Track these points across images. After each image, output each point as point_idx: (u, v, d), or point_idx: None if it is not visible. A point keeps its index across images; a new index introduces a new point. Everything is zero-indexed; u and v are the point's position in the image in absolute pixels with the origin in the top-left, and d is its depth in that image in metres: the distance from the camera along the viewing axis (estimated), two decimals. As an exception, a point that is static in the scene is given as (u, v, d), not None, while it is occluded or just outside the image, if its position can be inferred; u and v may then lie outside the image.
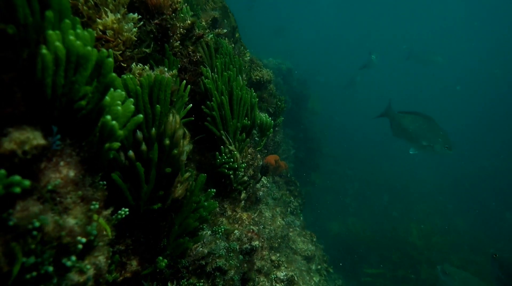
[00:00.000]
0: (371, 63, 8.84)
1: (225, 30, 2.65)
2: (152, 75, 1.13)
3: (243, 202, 2.03)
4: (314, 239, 3.29)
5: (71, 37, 0.69)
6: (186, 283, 1.41)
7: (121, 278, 1.08)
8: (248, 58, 3.64)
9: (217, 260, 1.55)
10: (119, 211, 0.94)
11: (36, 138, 0.69)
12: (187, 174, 1.22)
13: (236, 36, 3.57)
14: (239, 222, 1.90)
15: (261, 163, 2.74)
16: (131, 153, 1.01)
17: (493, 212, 9.60)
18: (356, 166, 11.23)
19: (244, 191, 2.10)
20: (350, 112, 19.74)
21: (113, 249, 1.12)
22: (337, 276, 6.28)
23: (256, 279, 1.83)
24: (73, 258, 0.68)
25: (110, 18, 1.23)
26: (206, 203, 1.32)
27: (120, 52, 1.27)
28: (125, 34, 1.26)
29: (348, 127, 16.13)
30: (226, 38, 2.81)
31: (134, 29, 1.29)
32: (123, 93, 0.83)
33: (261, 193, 2.68)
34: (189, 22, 1.84)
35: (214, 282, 1.52)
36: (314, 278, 2.97)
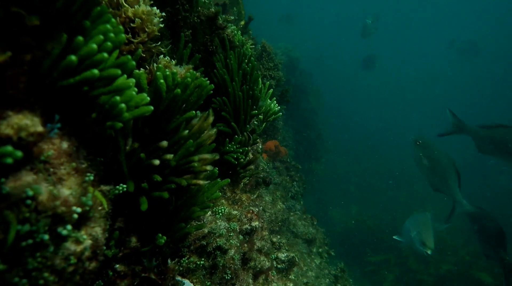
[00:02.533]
0: (367, 29, 8.30)
1: (232, 17, 2.61)
2: (189, 78, 1.07)
3: (242, 183, 2.03)
4: (315, 223, 3.31)
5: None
6: (186, 261, 1.42)
7: (120, 254, 1.09)
8: (252, 46, 3.57)
9: (217, 239, 1.56)
10: (117, 186, 0.94)
11: (35, 125, 0.69)
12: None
13: (241, 23, 3.50)
14: (239, 203, 1.91)
15: (260, 146, 2.73)
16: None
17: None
18: (358, 154, 11.20)
19: (247, 177, 2.10)
20: (356, 100, 19.55)
21: (114, 226, 1.12)
22: (338, 261, 6.33)
23: (257, 258, 1.84)
24: (69, 227, 0.68)
25: (141, 8, 1.22)
26: (214, 195, 1.31)
27: (143, 42, 1.26)
28: (151, 27, 1.26)
29: (352, 116, 16.02)
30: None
31: (161, 25, 1.29)
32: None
33: (261, 176, 2.68)
34: (213, 11, 1.80)
35: (215, 261, 1.54)
36: (315, 260, 3.00)
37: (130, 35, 1.23)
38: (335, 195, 8.69)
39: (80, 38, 0.70)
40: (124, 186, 0.93)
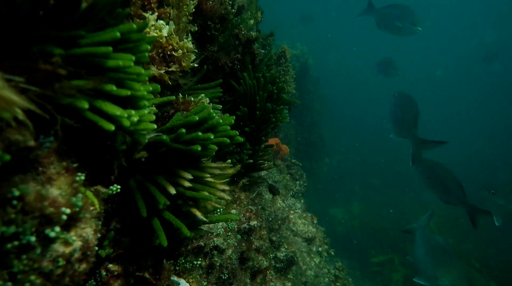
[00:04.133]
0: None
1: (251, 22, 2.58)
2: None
3: (241, 183, 2.01)
4: (315, 221, 3.29)
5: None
6: (183, 260, 1.41)
7: (114, 254, 1.07)
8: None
9: (215, 239, 1.54)
10: (111, 187, 0.91)
11: (26, 140, 0.66)
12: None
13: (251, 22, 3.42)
14: (237, 202, 1.89)
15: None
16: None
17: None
18: (363, 154, 11.10)
19: (247, 179, 2.08)
20: (364, 101, 19.27)
21: (110, 226, 1.11)
22: (339, 259, 6.29)
23: (255, 258, 1.82)
24: (57, 228, 0.66)
25: (187, 44, 1.22)
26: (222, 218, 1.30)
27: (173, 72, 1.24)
28: (186, 62, 1.24)
29: (358, 115, 15.85)
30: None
31: (195, 65, 1.28)
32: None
33: (262, 174, 2.66)
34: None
35: (212, 261, 1.52)
36: (315, 259, 2.99)
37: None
38: (337, 194, 8.63)
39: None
40: (118, 186, 0.91)
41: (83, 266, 0.77)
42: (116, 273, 1.07)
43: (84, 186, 0.85)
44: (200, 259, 1.46)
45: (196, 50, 1.31)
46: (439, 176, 3.77)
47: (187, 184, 1.01)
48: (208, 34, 1.64)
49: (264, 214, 2.62)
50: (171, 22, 1.21)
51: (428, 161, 3.88)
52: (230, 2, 1.68)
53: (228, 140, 1.05)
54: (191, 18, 1.29)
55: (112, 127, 0.73)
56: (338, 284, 3.08)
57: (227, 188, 1.10)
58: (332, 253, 3.30)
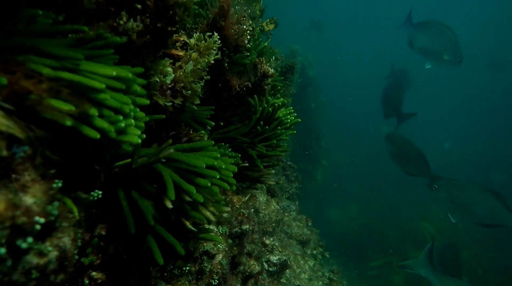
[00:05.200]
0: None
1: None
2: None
3: (234, 185, 1.98)
4: (310, 224, 3.26)
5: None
6: (171, 266, 1.38)
7: (98, 261, 1.04)
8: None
9: (205, 244, 1.51)
10: (92, 193, 0.88)
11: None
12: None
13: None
14: (229, 205, 1.86)
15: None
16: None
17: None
18: (362, 156, 11.04)
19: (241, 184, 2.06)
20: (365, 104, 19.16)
21: (94, 233, 1.07)
22: (335, 261, 6.25)
23: (247, 262, 1.80)
24: (29, 239, 0.63)
25: (197, 88, 1.24)
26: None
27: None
28: (187, 104, 1.26)
29: (357, 119, 15.78)
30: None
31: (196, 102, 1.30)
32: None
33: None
34: (271, 71, 1.77)
35: (202, 266, 1.49)
36: (309, 262, 2.96)
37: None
38: (334, 196, 8.56)
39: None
40: (99, 192, 0.88)
41: (60, 277, 0.74)
42: (100, 281, 1.04)
43: (63, 193, 0.82)
44: (189, 264, 1.43)
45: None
46: (405, 149, 3.94)
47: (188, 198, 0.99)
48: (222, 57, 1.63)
49: (257, 216, 2.59)
50: (190, 62, 1.24)
51: (396, 136, 4.10)
52: (250, 32, 1.66)
53: (227, 186, 1.10)
54: (207, 69, 1.30)
55: (98, 135, 0.71)
56: (332, 286, 3.06)
57: (216, 212, 1.11)
58: (327, 255, 3.27)
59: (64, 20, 0.84)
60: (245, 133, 1.88)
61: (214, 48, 1.28)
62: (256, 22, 2.92)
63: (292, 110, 1.94)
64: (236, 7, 1.57)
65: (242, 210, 1.89)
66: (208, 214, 1.10)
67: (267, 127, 1.82)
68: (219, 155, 1.05)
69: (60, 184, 0.72)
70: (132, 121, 0.82)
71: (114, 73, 0.69)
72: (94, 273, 1.03)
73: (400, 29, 4.36)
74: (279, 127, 1.85)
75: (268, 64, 1.76)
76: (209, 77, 1.32)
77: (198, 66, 1.25)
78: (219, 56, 1.33)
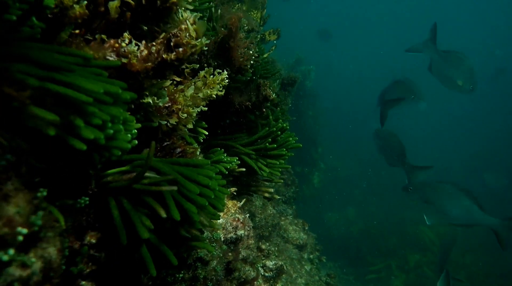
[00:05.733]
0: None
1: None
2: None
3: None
4: (306, 228, 3.25)
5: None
6: (164, 274, 1.35)
7: (88, 270, 1.02)
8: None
9: (199, 250, 1.49)
10: (79, 200, 0.86)
11: None
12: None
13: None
14: (224, 210, 1.84)
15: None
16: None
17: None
18: (361, 159, 10.98)
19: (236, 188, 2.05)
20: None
21: (84, 241, 1.05)
22: (333, 265, 6.22)
23: (242, 268, 1.78)
24: (11, 251, 0.61)
25: (193, 113, 1.25)
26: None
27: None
28: (180, 126, 1.25)
29: (355, 121, 15.73)
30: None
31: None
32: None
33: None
34: (274, 96, 1.83)
35: (195, 273, 1.47)
36: (306, 267, 2.94)
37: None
38: (332, 199, 8.49)
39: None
40: (86, 198, 0.86)
41: (45, 288, 0.72)
42: (89, 290, 1.01)
43: (50, 202, 0.80)
44: (182, 271, 1.41)
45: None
46: (390, 144, 4.39)
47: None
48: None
49: (253, 221, 2.57)
50: (192, 87, 1.26)
51: (383, 130, 4.52)
52: (255, 58, 1.70)
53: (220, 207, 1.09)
54: (208, 101, 1.32)
55: (84, 147, 0.69)
56: (329, 291, 3.04)
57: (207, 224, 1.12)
58: (324, 260, 3.26)
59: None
60: (243, 144, 1.90)
61: (221, 84, 1.30)
62: (258, 31, 2.95)
63: (294, 135, 2.00)
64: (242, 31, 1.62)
65: (237, 215, 1.87)
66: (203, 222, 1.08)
67: (267, 144, 1.89)
68: (214, 174, 1.05)
69: (45, 193, 0.71)
70: (121, 126, 0.81)
71: (102, 90, 0.68)
72: (83, 282, 1.00)
73: (420, 50, 4.40)
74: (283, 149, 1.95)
75: (271, 88, 1.79)
76: (206, 108, 1.32)
77: (200, 94, 1.26)
78: (222, 93, 1.33)
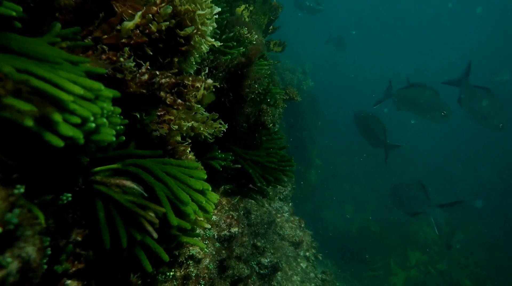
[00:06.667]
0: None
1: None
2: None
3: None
4: (303, 225, 3.23)
5: None
6: (155, 272, 1.33)
7: (73, 269, 0.99)
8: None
9: (191, 248, 1.46)
10: (61, 196, 0.83)
11: None
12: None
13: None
14: (218, 207, 1.81)
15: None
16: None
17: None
18: (361, 155, 10.94)
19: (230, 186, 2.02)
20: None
21: (69, 239, 1.02)
22: (330, 262, 6.20)
23: (236, 266, 1.75)
24: (-17, 251, 0.58)
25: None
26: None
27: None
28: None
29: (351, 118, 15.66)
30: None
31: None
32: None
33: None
34: (270, 125, 1.79)
35: (187, 271, 1.44)
36: (301, 264, 2.93)
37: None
38: (329, 196, 8.45)
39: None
40: (69, 195, 0.83)
41: (24, 289, 0.69)
42: (75, 289, 0.99)
43: (31, 199, 0.77)
44: (174, 269, 1.38)
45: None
46: (370, 126, 4.60)
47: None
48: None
49: (249, 218, 2.54)
50: (186, 111, 1.22)
51: (364, 114, 4.72)
52: (258, 93, 1.74)
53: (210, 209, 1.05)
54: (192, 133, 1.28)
55: (62, 143, 0.65)
56: (325, 288, 3.02)
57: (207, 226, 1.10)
58: (320, 257, 3.24)
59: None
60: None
61: (212, 132, 1.26)
62: (264, 37, 2.92)
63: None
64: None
65: (231, 212, 1.84)
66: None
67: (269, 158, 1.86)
68: (206, 177, 1.02)
69: (22, 190, 0.67)
70: (105, 120, 0.78)
71: (82, 92, 0.65)
72: (69, 281, 0.97)
73: (456, 84, 4.57)
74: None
75: (270, 117, 1.77)
76: (192, 133, 1.28)
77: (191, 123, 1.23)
78: (212, 141, 1.31)
